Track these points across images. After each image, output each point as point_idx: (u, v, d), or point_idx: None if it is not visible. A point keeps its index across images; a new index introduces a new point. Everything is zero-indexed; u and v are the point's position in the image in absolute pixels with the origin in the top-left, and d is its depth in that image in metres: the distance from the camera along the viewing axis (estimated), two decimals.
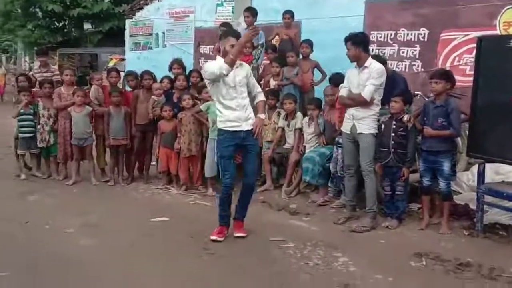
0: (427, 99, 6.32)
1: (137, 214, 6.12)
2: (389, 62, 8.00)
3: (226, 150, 5.17)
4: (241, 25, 8.61)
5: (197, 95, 7.26)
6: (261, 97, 5.41)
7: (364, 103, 5.51)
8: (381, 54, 7.78)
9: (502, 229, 5.51)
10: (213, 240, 5.15)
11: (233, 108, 5.10)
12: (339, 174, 6.33)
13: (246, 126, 5.12)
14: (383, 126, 5.65)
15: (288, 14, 8.23)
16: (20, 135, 7.57)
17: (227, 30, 5.64)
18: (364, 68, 5.54)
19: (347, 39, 5.56)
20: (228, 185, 5.22)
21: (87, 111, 7.29)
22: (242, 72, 5.19)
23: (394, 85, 6.04)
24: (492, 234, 5.39)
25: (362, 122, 5.57)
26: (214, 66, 5.03)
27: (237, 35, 5.17)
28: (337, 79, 6.54)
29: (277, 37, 8.49)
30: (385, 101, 5.73)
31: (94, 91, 7.54)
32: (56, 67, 10.22)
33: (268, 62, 8.24)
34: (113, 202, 6.63)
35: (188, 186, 7.15)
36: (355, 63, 5.64)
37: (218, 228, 5.27)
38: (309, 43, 7.81)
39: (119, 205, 6.53)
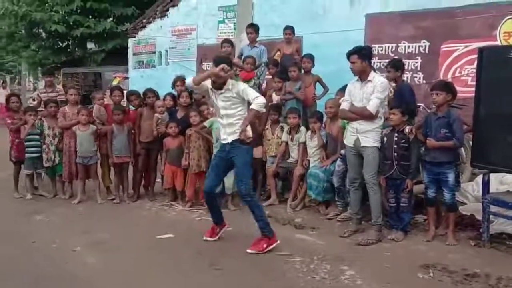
0: (429, 111, 6.35)
1: (143, 231, 6.13)
2: None
3: (214, 158, 5.86)
4: (243, 41, 8.68)
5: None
6: (253, 105, 5.27)
7: (369, 117, 5.52)
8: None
9: (508, 239, 5.52)
10: (205, 240, 5.67)
11: (221, 124, 5.57)
12: (342, 188, 6.35)
13: (231, 139, 5.41)
14: (385, 138, 5.67)
15: (289, 30, 8.30)
16: (27, 155, 7.60)
17: (215, 59, 5.70)
18: (367, 82, 5.55)
19: (352, 53, 5.56)
20: (205, 191, 5.62)
21: (91, 130, 7.33)
22: (228, 95, 5.36)
23: (401, 96, 6.08)
24: (499, 244, 5.39)
25: (366, 135, 5.57)
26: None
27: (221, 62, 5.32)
28: None
29: (278, 52, 8.55)
30: None
31: (96, 110, 7.59)
32: (60, 86, 10.27)
33: (270, 77, 8.28)
34: (119, 220, 6.63)
35: (194, 203, 7.16)
36: (356, 77, 5.67)
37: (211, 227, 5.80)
38: (310, 57, 7.85)
39: (125, 222, 6.54)
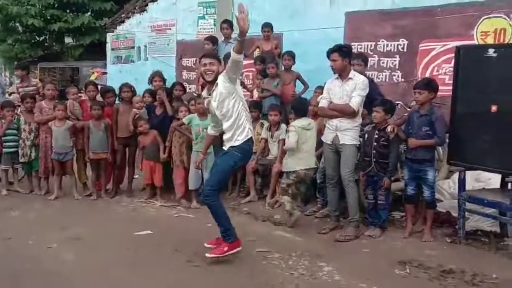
0: (408, 109, 6.39)
1: (121, 228, 6.07)
2: (369, 72, 8.13)
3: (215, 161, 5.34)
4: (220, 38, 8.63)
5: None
6: None
7: (352, 114, 5.53)
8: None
9: (483, 235, 5.58)
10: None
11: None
12: (324, 185, 6.36)
13: (228, 146, 4.94)
14: (366, 135, 5.70)
15: (267, 28, 8.33)
16: (4, 150, 7.52)
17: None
18: (348, 80, 5.56)
19: (333, 51, 5.56)
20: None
21: (67, 125, 7.23)
22: (215, 92, 4.89)
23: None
24: (474, 241, 5.45)
25: (346, 133, 5.59)
26: None
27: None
28: None
29: (257, 49, 8.54)
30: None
31: (69, 105, 7.48)
32: (37, 80, 10.12)
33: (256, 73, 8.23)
34: (96, 216, 6.57)
35: (171, 199, 7.13)
36: (336, 75, 5.68)
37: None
38: (291, 54, 7.85)
39: (102, 219, 6.47)
